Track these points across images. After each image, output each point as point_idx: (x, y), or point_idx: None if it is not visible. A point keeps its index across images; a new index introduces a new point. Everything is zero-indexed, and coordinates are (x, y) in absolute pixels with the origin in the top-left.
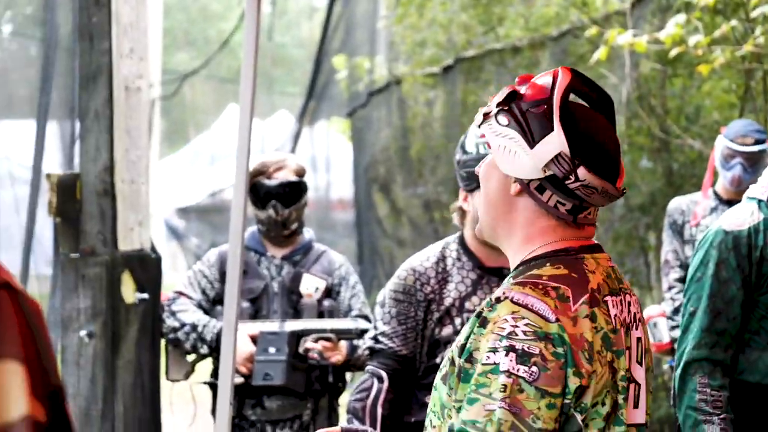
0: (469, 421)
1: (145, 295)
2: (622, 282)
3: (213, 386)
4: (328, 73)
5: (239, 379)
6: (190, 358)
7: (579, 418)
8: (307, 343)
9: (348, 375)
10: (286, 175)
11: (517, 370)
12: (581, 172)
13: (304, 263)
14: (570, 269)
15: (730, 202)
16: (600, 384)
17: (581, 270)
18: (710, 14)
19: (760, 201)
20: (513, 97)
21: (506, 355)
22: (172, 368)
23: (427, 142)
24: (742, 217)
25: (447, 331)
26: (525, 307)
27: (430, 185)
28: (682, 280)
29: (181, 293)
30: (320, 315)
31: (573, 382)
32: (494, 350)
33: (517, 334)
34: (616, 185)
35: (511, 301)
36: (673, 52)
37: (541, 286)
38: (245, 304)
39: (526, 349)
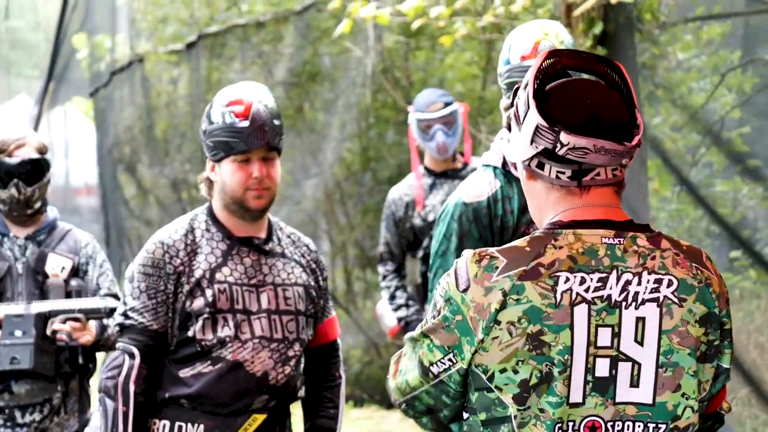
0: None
1: None
2: (622, 260)
3: None
4: (68, 53)
5: None
6: None
7: (483, 377)
8: (55, 324)
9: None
10: (28, 152)
11: (426, 313)
12: (563, 136)
13: (48, 242)
14: (532, 244)
15: (445, 173)
16: (506, 352)
17: (543, 244)
18: None
19: (495, 168)
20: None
21: (432, 299)
22: None
23: (172, 120)
24: (480, 187)
25: (198, 303)
26: (455, 270)
27: (177, 164)
28: (395, 270)
29: None
30: (68, 295)
31: (466, 350)
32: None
33: (441, 286)
34: (623, 140)
35: (456, 261)
36: (416, 24)
37: (486, 255)
38: None
39: (436, 301)
